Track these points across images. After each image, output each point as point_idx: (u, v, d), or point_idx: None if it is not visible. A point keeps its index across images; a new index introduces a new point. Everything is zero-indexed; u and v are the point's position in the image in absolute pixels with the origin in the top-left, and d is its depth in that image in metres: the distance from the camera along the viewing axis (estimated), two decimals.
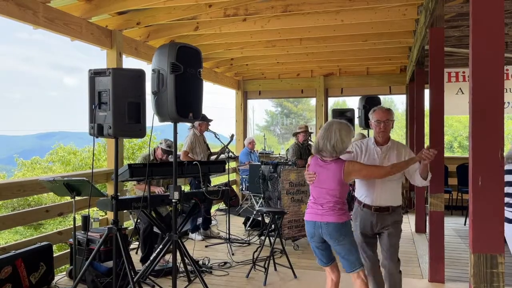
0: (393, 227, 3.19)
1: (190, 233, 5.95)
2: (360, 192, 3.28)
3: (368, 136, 7.39)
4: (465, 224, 6.86)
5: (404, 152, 3.19)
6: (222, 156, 6.21)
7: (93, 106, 3.19)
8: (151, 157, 4.93)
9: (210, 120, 6.06)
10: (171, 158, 4.69)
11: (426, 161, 2.95)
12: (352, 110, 7.36)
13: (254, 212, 6.63)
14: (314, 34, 6.15)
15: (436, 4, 3.83)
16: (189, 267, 3.98)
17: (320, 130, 3.01)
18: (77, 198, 3.69)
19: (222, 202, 7.88)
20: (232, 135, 7.01)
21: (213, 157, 6.20)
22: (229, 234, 5.67)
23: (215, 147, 6.64)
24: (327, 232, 2.89)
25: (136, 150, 17.74)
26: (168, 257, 4.45)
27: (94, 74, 3.21)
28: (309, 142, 6.69)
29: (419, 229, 6.42)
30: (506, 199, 3.52)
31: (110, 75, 3.13)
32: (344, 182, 2.93)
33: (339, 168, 2.89)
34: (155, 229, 4.66)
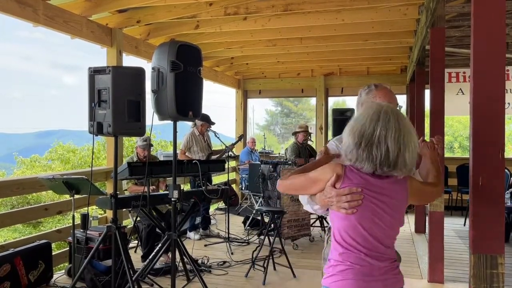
0: None
1: (188, 231, 5.95)
2: None
3: None
4: (464, 225, 6.86)
5: None
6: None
7: (93, 104, 3.18)
8: (135, 159, 4.94)
9: (213, 123, 6.10)
10: (159, 155, 4.66)
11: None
12: (352, 110, 7.34)
13: (254, 212, 6.62)
14: (314, 34, 6.14)
15: (437, 4, 3.82)
16: (188, 266, 3.98)
17: (376, 122, 1.54)
18: (76, 196, 3.68)
19: (222, 201, 7.88)
20: (241, 136, 7.02)
21: (214, 157, 6.20)
22: (228, 233, 5.66)
23: (215, 146, 6.64)
24: None
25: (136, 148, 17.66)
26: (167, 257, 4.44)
27: (94, 72, 3.20)
28: (309, 142, 6.67)
29: (419, 229, 6.42)
30: None
31: (110, 73, 3.12)
32: None
33: (404, 190, 1.62)
34: None
